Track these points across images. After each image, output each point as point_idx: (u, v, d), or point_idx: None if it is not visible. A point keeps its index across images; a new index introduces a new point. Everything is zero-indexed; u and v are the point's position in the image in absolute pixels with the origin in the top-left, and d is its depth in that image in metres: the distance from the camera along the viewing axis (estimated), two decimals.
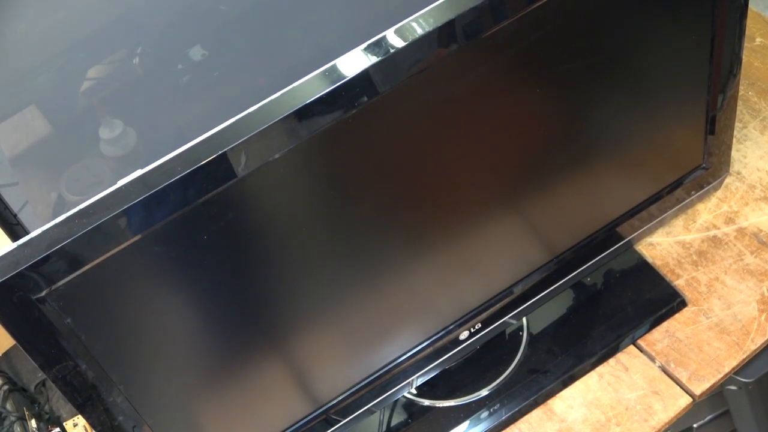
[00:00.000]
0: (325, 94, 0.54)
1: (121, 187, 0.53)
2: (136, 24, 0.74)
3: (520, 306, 0.81)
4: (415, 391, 0.88)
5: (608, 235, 0.82)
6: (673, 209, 0.85)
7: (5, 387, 0.91)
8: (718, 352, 0.86)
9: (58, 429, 0.89)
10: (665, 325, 0.88)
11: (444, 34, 0.56)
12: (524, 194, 0.72)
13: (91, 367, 0.58)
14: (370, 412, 0.78)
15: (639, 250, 0.93)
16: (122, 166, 0.74)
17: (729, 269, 0.90)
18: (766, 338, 0.86)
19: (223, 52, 0.75)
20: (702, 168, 0.83)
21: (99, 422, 0.62)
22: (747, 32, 0.76)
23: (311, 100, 0.54)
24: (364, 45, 0.55)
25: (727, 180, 0.96)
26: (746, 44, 1.05)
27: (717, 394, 1.00)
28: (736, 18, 0.71)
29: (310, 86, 0.54)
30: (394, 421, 0.87)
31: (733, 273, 0.90)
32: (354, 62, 0.55)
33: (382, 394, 0.78)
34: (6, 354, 0.96)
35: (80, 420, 0.89)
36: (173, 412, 0.66)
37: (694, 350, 0.86)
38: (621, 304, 0.90)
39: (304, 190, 0.59)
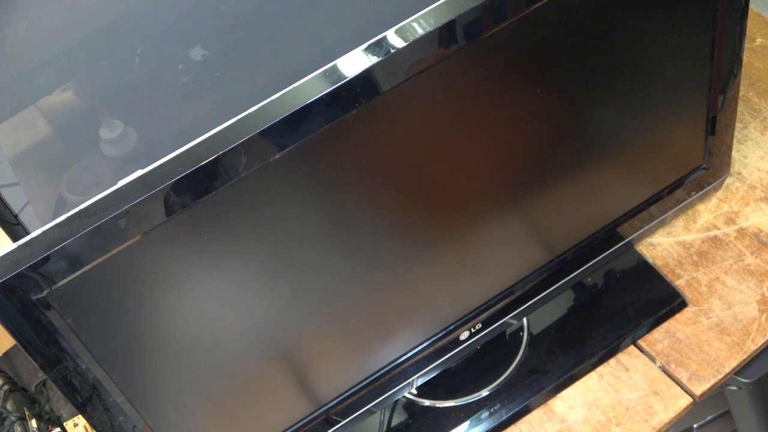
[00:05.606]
0: (325, 95, 0.54)
1: (121, 187, 0.53)
2: (137, 24, 0.74)
3: (521, 306, 0.81)
4: (415, 392, 0.88)
5: (609, 235, 0.82)
6: (674, 209, 0.85)
7: (5, 387, 0.91)
8: (718, 353, 0.85)
9: (58, 429, 0.89)
10: (666, 325, 0.88)
11: (444, 34, 0.56)
12: (525, 194, 0.72)
13: (91, 367, 0.58)
14: (370, 412, 0.78)
15: (639, 250, 0.93)
16: (122, 166, 0.74)
17: (729, 269, 0.90)
18: (766, 338, 0.86)
19: (224, 53, 0.75)
20: (702, 168, 0.83)
21: (99, 422, 0.62)
22: (747, 33, 0.76)
23: (312, 100, 0.54)
24: (365, 45, 0.55)
25: (728, 180, 0.96)
26: (747, 45, 1.05)
27: (717, 395, 1.00)
28: (736, 18, 0.71)
29: (310, 86, 0.54)
30: (395, 422, 0.87)
31: (733, 273, 0.90)
32: (354, 62, 0.55)
33: (383, 395, 0.78)
34: (6, 354, 0.96)
35: (80, 420, 0.89)
36: (173, 412, 0.66)
37: (694, 350, 0.86)
38: (621, 304, 0.90)
39: (304, 191, 0.59)
